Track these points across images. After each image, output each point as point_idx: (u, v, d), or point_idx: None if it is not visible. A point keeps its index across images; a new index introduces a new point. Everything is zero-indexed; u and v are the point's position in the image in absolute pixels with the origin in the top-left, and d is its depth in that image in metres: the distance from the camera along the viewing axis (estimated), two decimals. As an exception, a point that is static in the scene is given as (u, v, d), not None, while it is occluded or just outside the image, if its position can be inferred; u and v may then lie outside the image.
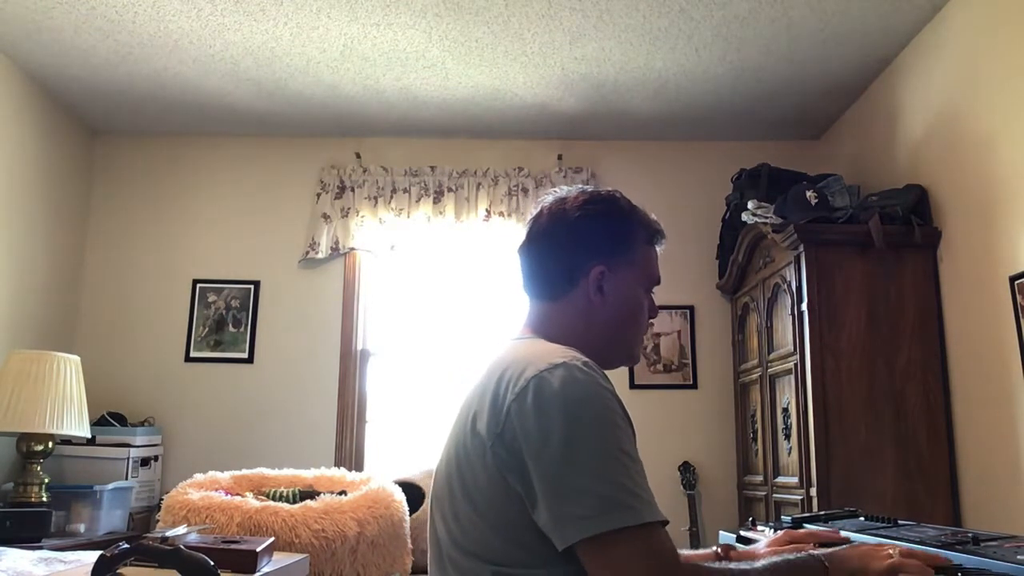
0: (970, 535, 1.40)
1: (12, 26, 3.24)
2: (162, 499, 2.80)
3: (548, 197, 1.40)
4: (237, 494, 2.79)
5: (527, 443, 1.11)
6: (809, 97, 3.78)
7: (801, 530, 1.57)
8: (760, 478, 3.54)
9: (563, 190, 1.40)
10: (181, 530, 1.95)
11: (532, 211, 1.41)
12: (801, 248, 3.10)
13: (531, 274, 1.37)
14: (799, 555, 1.20)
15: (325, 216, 4.12)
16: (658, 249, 1.41)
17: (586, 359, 1.19)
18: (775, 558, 1.19)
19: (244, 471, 3.10)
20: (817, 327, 3.03)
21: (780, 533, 1.53)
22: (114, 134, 4.26)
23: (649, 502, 1.08)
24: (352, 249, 4.11)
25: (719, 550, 1.48)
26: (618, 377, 3.95)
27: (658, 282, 1.40)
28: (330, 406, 4.00)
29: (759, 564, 1.16)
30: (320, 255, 4.07)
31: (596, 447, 1.09)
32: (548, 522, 1.09)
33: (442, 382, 4.05)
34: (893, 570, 1.18)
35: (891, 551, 1.21)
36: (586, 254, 1.33)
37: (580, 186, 1.41)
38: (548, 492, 1.08)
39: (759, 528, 1.73)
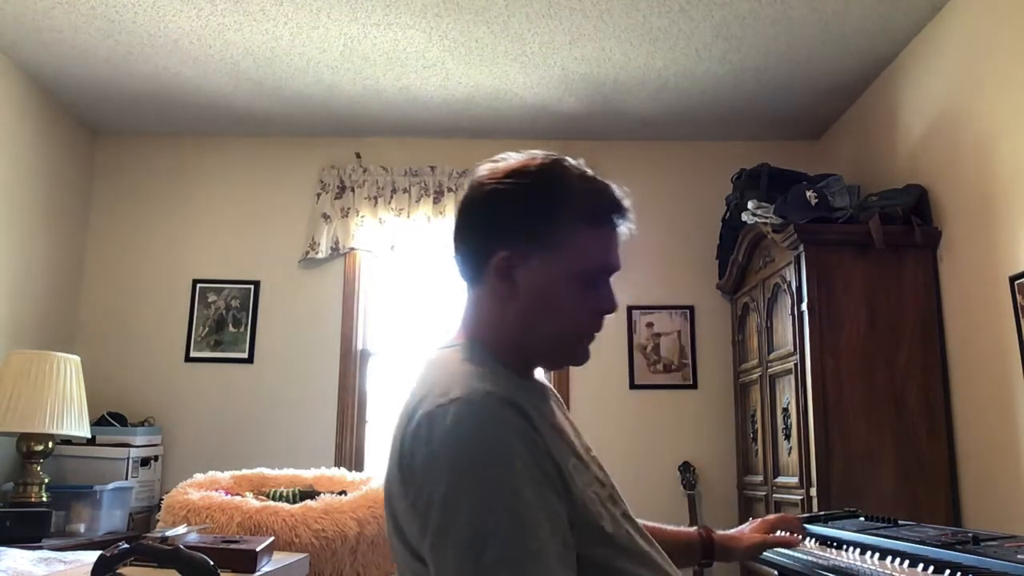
0: (970, 535, 1.40)
1: (12, 26, 3.24)
2: (162, 499, 2.80)
3: (487, 163, 1.19)
4: (237, 494, 2.79)
5: (416, 489, 0.99)
6: (809, 97, 3.78)
7: (772, 516, 1.64)
8: (760, 478, 3.54)
9: (505, 155, 1.18)
10: (181, 530, 1.95)
11: None
12: (801, 248, 3.10)
13: (455, 255, 1.20)
14: None
15: (325, 216, 4.12)
16: (619, 230, 1.17)
17: (491, 389, 1.02)
18: None
19: (244, 471, 3.10)
20: (817, 327, 3.03)
21: (758, 521, 1.56)
22: (114, 134, 4.26)
23: (540, 553, 0.92)
24: (352, 249, 4.11)
25: (701, 531, 1.49)
26: (618, 377, 4.01)
27: (611, 269, 1.16)
28: (330, 406, 4.00)
29: None
30: (320, 255, 4.07)
31: (483, 496, 0.93)
32: None
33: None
34: None
35: None
36: (494, 236, 1.13)
37: (526, 152, 1.18)
38: (430, 547, 0.96)
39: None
